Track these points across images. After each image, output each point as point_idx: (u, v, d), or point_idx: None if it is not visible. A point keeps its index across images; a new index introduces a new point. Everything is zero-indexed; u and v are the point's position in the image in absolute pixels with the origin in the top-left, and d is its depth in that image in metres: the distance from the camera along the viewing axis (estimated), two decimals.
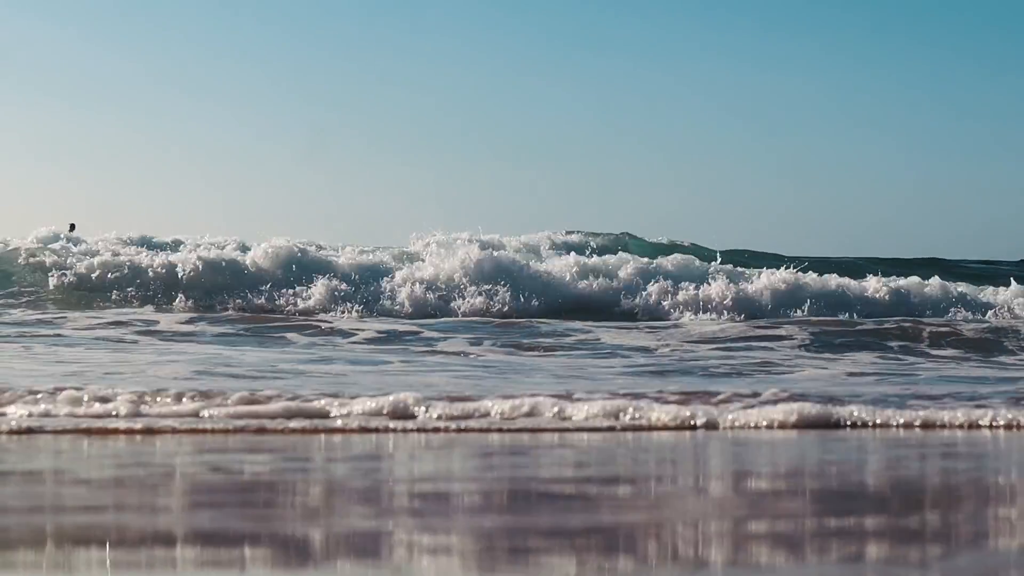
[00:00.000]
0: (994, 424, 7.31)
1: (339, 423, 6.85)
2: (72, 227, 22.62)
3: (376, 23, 48.63)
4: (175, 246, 21.24)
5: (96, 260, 19.62)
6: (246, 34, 49.38)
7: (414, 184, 45.14)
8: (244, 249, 20.42)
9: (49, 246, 20.62)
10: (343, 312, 17.56)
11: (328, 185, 45.21)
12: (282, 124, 48.06)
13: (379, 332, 14.15)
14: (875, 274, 20.44)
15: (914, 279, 20.37)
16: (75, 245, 20.91)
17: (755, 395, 7.85)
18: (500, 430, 6.82)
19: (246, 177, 45.90)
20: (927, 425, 7.28)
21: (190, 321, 15.25)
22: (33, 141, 46.42)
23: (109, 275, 19.13)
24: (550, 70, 48.45)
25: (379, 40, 48.73)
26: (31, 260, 20.09)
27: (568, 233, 26.11)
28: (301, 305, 17.96)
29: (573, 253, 20.98)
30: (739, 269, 20.78)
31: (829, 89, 48.09)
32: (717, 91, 48.17)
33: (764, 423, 7.12)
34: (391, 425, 6.82)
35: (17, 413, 6.85)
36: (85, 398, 7.06)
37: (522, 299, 18.20)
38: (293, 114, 48.48)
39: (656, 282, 19.01)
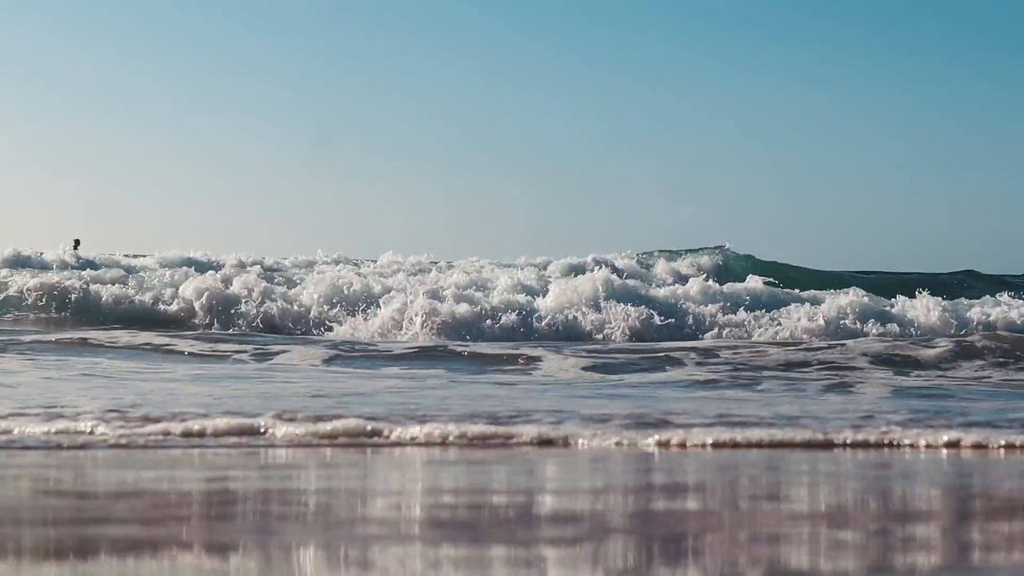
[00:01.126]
0: None
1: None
2: (76, 243, 22.53)
3: (387, 34, 49.12)
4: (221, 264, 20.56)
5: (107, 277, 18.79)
6: (254, 47, 49.84)
7: (419, 196, 46.12)
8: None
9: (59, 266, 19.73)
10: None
11: (335, 197, 46.16)
12: (290, 136, 48.73)
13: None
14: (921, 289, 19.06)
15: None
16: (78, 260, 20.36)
17: None
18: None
19: (252, 189, 46.94)
20: None
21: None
22: (39, 153, 48.15)
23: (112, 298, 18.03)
24: (559, 84, 48.81)
25: (390, 52, 49.11)
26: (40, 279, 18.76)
27: (660, 252, 24.77)
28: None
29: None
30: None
31: (842, 103, 48.09)
32: (736, 108, 48.02)
33: None
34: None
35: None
36: None
37: None
38: (301, 126, 49.17)
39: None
